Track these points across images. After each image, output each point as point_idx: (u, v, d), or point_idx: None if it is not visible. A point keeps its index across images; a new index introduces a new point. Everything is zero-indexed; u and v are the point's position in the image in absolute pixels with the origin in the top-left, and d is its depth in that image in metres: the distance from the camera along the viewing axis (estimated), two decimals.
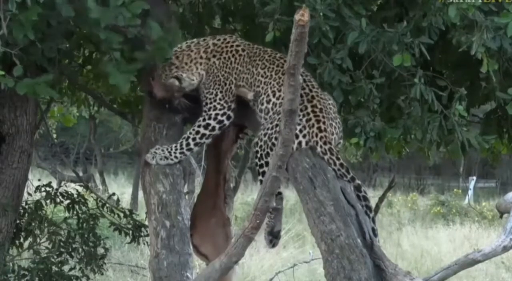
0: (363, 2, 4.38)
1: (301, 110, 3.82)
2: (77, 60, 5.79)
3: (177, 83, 4.15)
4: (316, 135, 3.82)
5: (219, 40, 4.24)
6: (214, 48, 4.21)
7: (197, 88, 4.22)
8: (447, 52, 4.67)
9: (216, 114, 4.11)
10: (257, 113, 4.07)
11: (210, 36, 4.34)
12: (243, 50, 4.18)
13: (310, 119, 3.84)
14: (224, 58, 4.16)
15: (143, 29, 3.93)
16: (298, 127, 3.78)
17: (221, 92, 4.13)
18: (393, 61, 4.14)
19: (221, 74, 4.15)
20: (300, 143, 3.81)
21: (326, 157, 3.81)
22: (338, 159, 3.80)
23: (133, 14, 3.78)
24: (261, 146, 3.92)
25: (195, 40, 4.28)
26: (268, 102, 3.98)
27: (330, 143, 3.82)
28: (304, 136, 3.82)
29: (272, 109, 3.95)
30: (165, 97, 4.21)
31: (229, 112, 4.12)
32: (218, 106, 4.12)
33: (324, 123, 3.85)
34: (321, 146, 3.81)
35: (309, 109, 3.87)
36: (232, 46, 4.20)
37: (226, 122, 4.13)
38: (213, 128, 4.11)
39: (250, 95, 4.05)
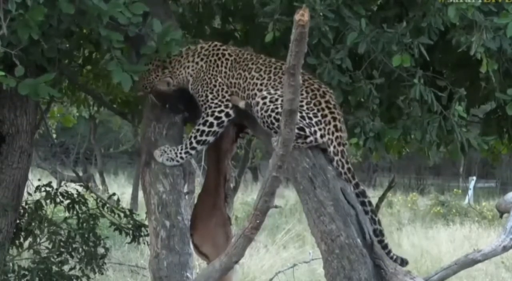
0: (362, 2, 4.38)
1: (315, 104, 3.81)
2: (77, 60, 5.79)
3: (166, 87, 4.18)
4: (332, 134, 3.80)
5: (208, 44, 4.23)
6: (202, 51, 4.20)
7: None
8: (446, 53, 4.67)
9: (213, 112, 4.08)
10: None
11: (203, 41, 4.33)
12: (230, 54, 4.15)
13: (326, 115, 3.82)
14: (210, 60, 4.14)
15: (144, 28, 3.94)
16: (314, 120, 3.77)
17: (211, 93, 4.09)
18: (392, 62, 4.14)
19: (207, 76, 4.12)
20: (316, 139, 3.79)
21: (336, 158, 3.79)
22: (347, 162, 3.79)
23: (133, 14, 3.79)
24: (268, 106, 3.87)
25: (189, 46, 4.29)
26: None
27: (344, 144, 3.81)
28: (320, 130, 3.80)
29: None
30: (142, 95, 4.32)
31: (227, 110, 4.07)
32: (213, 105, 4.08)
33: (339, 121, 3.84)
34: (334, 146, 3.79)
35: (323, 105, 3.84)
36: (219, 49, 4.17)
37: (225, 119, 4.08)
38: (211, 124, 4.07)
39: (241, 104, 4.04)
